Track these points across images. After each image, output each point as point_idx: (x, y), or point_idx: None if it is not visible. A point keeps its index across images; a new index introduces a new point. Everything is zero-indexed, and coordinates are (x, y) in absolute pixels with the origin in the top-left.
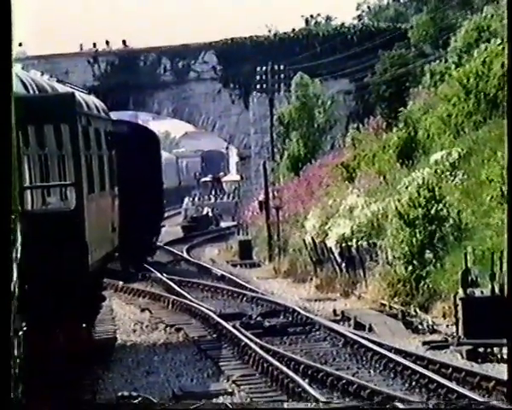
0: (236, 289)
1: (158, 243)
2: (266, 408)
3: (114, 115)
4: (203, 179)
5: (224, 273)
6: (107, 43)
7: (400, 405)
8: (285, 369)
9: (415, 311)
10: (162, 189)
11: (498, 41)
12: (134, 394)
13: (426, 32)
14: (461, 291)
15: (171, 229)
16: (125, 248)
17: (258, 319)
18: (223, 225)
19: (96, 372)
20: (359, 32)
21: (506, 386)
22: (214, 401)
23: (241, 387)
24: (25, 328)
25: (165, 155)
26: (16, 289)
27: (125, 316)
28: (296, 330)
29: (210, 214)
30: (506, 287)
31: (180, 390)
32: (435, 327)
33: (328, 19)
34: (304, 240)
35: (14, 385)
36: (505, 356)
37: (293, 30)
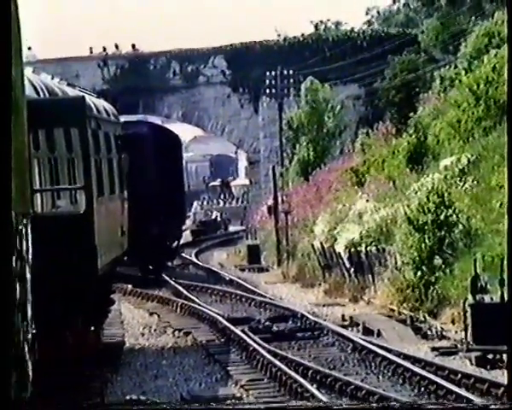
0: (245, 294)
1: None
2: (266, 408)
3: (124, 119)
4: (212, 184)
5: (233, 278)
6: (117, 46)
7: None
8: (293, 374)
9: (424, 317)
10: (184, 192)
11: (506, 46)
12: (142, 397)
13: (436, 38)
14: (470, 297)
15: None
16: (144, 253)
17: (267, 323)
18: (231, 229)
19: (104, 376)
20: (369, 38)
21: (506, 389)
22: (222, 405)
23: (250, 392)
24: (34, 331)
25: None
26: (29, 292)
27: (133, 320)
28: (304, 335)
29: (219, 219)
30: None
31: (188, 394)
32: (444, 333)
33: (338, 24)
34: (312, 245)
35: (22, 388)
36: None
37: (303, 35)
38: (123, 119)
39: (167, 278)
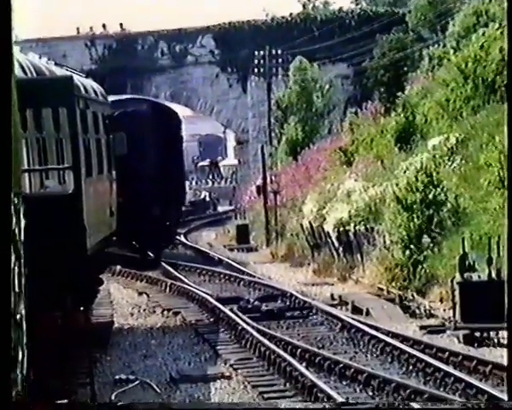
0: (234, 274)
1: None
2: (264, 408)
3: (113, 99)
4: (201, 164)
5: (222, 257)
6: (104, 26)
7: (415, 405)
8: (282, 353)
9: (412, 295)
10: (184, 172)
11: (496, 25)
12: (131, 377)
13: (424, 17)
14: (458, 276)
15: None
16: (144, 236)
17: (256, 303)
18: (220, 209)
19: (93, 356)
20: (357, 17)
21: (506, 372)
22: (211, 384)
23: (239, 371)
24: (23, 311)
25: None
26: (22, 275)
27: (122, 300)
28: (293, 315)
29: (207, 199)
30: (506, 272)
31: (177, 374)
32: (432, 312)
33: (326, 3)
34: (301, 224)
35: (11, 371)
36: (502, 340)
37: (291, 14)
38: (124, 96)
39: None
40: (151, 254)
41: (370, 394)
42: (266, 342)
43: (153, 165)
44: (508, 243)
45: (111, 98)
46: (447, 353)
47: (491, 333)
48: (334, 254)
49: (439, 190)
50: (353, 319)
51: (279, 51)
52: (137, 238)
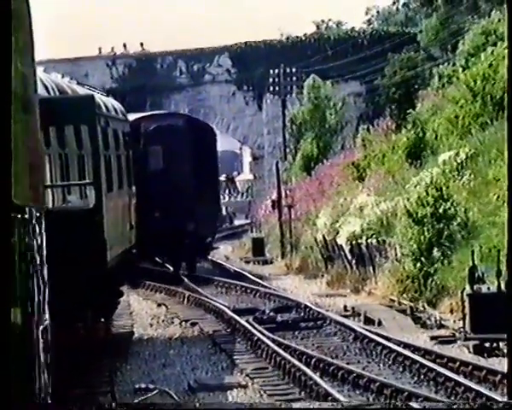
0: (250, 285)
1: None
2: (271, 408)
3: (149, 114)
4: None
5: (238, 270)
6: (125, 46)
7: (415, 405)
8: (297, 362)
9: (423, 307)
10: (218, 185)
11: (505, 44)
12: (151, 386)
13: (435, 36)
14: (468, 288)
15: None
16: (178, 251)
17: (271, 314)
18: (236, 223)
19: (114, 365)
20: (369, 36)
21: (506, 380)
22: (228, 392)
23: (255, 380)
24: (46, 322)
25: None
26: (46, 286)
27: (142, 311)
28: (308, 325)
29: (224, 213)
30: (506, 277)
31: (195, 383)
32: (443, 322)
33: (339, 23)
34: (315, 238)
35: (37, 379)
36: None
37: (305, 34)
38: (160, 112)
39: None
40: (184, 270)
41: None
42: (281, 352)
43: (188, 179)
44: (507, 255)
45: (147, 113)
46: (458, 363)
47: (501, 343)
48: (347, 266)
49: (449, 204)
50: (366, 329)
51: (293, 70)
52: (172, 253)
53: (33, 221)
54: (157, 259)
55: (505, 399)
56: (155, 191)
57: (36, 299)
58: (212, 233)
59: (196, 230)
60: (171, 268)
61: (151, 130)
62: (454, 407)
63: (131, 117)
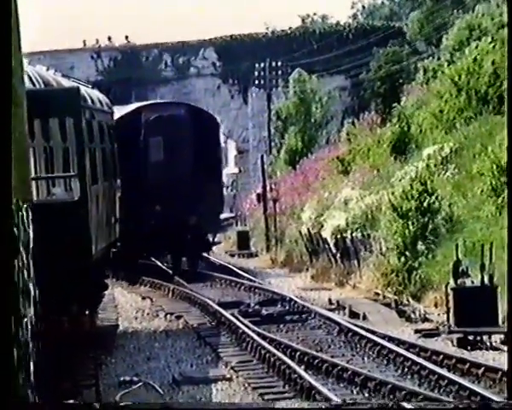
0: (234, 279)
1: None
2: (262, 408)
3: (149, 103)
4: None
5: (223, 263)
6: (110, 39)
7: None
8: (282, 356)
9: (407, 300)
10: (221, 178)
11: (489, 39)
12: (135, 379)
13: (419, 31)
14: (452, 281)
15: None
16: (180, 246)
17: (256, 307)
18: (221, 216)
19: (98, 358)
20: (354, 30)
21: (506, 379)
22: (213, 386)
23: (239, 373)
24: (30, 315)
25: None
26: (32, 280)
27: (126, 304)
28: (293, 319)
29: None
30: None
31: (180, 376)
32: (427, 316)
33: (324, 17)
34: (300, 231)
35: (18, 372)
36: (494, 344)
37: (291, 28)
38: (161, 101)
39: (159, 263)
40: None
41: (367, 395)
42: (266, 345)
43: (190, 171)
44: (508, 251)
45: (148, 102)
46: (441, 356)
47: (484, 337)
48: (332, 260)
49: (433, 198)
50: (350, 323)
51: (279, 64)
52: (172, 248)
53: (20, 214)
54: (153, 259)
55: (489, 392)
56: (156, 184)
57: (20, 291)
58: (215, 227)
59: (199, 224)
60: (169, 270)
61: (152, 120)
62: (451, 406)
63: (130, 107)
